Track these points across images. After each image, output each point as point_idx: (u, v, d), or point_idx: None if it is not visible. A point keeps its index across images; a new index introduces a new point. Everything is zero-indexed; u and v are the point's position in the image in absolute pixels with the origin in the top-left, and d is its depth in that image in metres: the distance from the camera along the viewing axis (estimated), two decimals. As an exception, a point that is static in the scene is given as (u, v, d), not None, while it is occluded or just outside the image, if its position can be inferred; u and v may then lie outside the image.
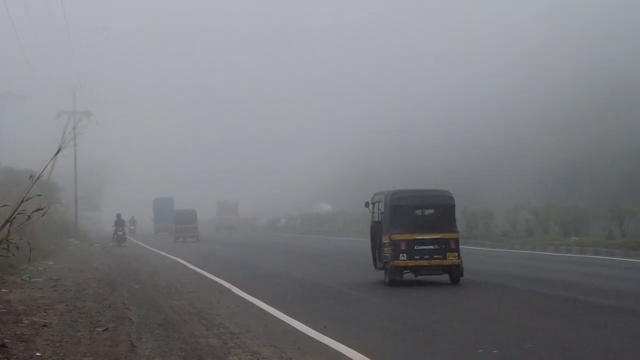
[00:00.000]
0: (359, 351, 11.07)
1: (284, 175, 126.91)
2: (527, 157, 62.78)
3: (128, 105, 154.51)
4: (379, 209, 21.68)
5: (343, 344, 11.61)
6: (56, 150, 12.74)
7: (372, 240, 21.85)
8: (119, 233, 51.93)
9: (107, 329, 13.36)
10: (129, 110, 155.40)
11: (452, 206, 20.81)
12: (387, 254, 20.54)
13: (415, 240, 20.26)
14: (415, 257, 20.19)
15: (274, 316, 14.90)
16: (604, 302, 15.93)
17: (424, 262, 20.22)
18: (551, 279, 20.99)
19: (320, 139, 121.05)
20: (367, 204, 22.45)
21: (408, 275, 20.70)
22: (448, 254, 20.23)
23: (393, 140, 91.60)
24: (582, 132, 59.50)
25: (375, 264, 21.59)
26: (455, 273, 20.34)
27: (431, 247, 20.27)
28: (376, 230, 21.61)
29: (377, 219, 21.74)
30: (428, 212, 20.91)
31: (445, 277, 20.75)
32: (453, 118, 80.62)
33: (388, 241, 20.53)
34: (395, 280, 20.27)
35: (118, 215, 53.02)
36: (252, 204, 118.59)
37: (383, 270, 20.89)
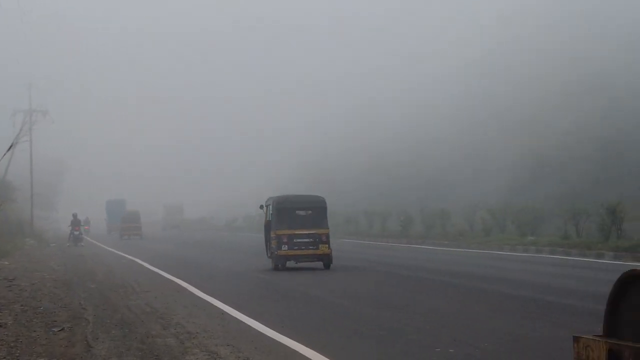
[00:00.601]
0: (316, 350, 11.07)
1: (246, 175, 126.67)
2: (487, 156, 63.19)
3: (85, 104, 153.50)
4: (269, 211, 26.69)
5: (300, 342, 11.60)
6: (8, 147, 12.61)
7: (265, 235, 27.12)
8: (75, 233, 51.57)
9: (63, 329, 13.25)
10: (86, 109, 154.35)
11: (324, 208, 26.39)
12: (274, 246, 25.79)
13: (295, 235, 25.55)
14: (295, 248, 25.52)
15: (231, 315, 14.87)
16: (561, 301, 16.08)
17: (301, 252, 25.56)
18: (508, 278, 21.16)
19: (280, 139, 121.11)
20: (261, 207, 28.10)
21: (290, 263, 25.85)
22: (320, 245, 25.61)
23: (353, 139, 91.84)
24: (542, 131, 60.05)
25: (266, 254, 26.73)
26: (326, 260, 25.73)
27: (307, 240, 25.60)
28: (267, 227, 26.85)
29: (268, 219, 26.86)
30: (305, 213, 26.23)
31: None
32: (417, 116, 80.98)
33: (274, 235, 25.76)
34: (278, 266, 25.58)
35: (74, 215, 52.67)
36: (211, 203, 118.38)
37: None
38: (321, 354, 10.82)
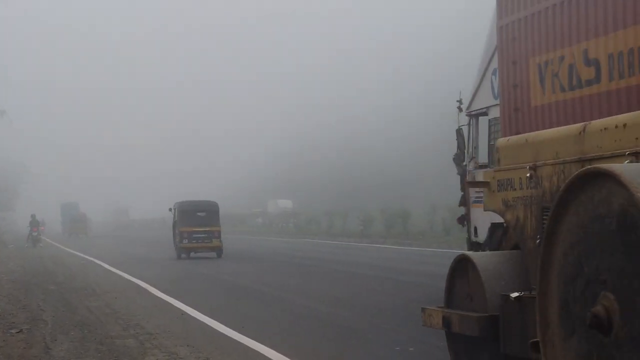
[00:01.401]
0: (277, 350, 11.08)
1: (207, 175, 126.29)
2: (449, 155, 63.56)
3: (45, 105, 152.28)
4: (176, 212, 35.23)
5: (262, 343, 11.61)
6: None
7: (173, 231, 35.64)
8: (33, 234, 51.20)
9: (21, 330, 13.13)
10: (46, 109, 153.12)
11: (217, 211, 35.06)
12: (177, 240, 34.39)
13: (194, 231, 34.10)
14: (193, 241, 34.05)
15: (191, 316, 14.84)
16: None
17: (198, 245, 34.16)
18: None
19: (241, 141, 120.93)
20: (170, 209, 36.68)
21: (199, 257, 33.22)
22: (213, 239, 34.15)
23: (317, 141, 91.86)
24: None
25: (174, 246, 35.03)
26: (218, 251, 34.03)
27: (203, 235, 34.16)
28: (174, 226, 35.24)
29: (175, 219, 35.14)
30: (202, 214, 34.72)
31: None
32: (385, 115, 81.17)
33: (179, 232, 34.30)
34: (181, 256, 33.92)
35: (33, 216, 52.28)
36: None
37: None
38: (282, 353, 10.84)
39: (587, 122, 7.29)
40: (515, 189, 8.06)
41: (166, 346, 11.46)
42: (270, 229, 70.65)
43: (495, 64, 15.83)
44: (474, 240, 16.88)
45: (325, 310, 15.47)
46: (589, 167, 6.23)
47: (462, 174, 17.69)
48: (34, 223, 51.80)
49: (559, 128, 7.92)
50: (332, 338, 12.21)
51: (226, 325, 13.35)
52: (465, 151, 17.80)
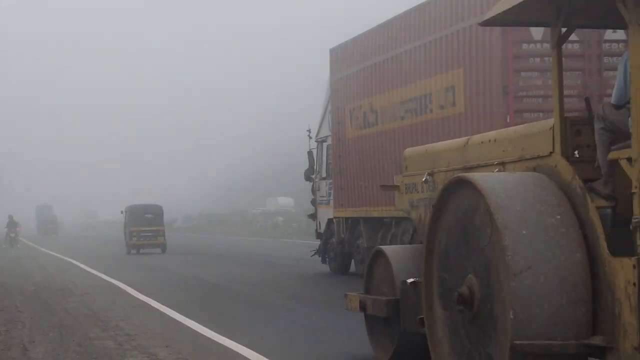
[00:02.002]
0: (256, 351, 11.07)
1: (182, 176, 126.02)
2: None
3: (14, 106, 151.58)
4: (126, 215, 41.83)
5: (240, 343, 11.59)
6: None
7: (124, 231, 42.40)
8: (11, 235, 50.98)
9: (-2, 332, 13.07)
10: (15, 110, 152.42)
11: (161, 214, 41.78)
12: (128, 238, 41.03)
13: (142, 230, 40.58)
14: (141, 239, 40.52)
15: (170, 316, 14.79)
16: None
17: (146, 242, 40.55)
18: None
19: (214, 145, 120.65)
20: (122, 212, 43.28)
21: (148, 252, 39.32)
22: (158, 237, 40.74)
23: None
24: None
25: (125, 244, 41.35)
26: (162, 247, 40.32)
27: (150, 234, 40.76)
28: (125, 226, 41.95)
29: (126, 220, 41.75)
30: (149, 216, 41.23)
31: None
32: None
33: (129, 231, 40.93)
34: (131, 252, 40.14)
35: (10, 217, 52.06)
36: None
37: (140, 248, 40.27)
38: (259, 353, 10.83)
39: (469, 137, 8.83)
40: (418, 192, 9.54)
41: (145, 347, 11.42)
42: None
43: (329, 106, 23.42)
44: (319, 231, 24.52)
45: (301, 310, 15.48)
46: (457, 175, 7.72)
47: (313, 185, 24.80)
48: (12, 224, 51.55)
49: (450, 141, 9.50)
50: (311, 338, 12.21)
51: (205, 325, 13.32)
52: (315, 168, 24.73)
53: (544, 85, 15.46)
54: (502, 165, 7.80)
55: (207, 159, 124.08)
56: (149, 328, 13.25)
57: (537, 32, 15.57)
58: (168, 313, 15.21)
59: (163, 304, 16.44)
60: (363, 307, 9.83)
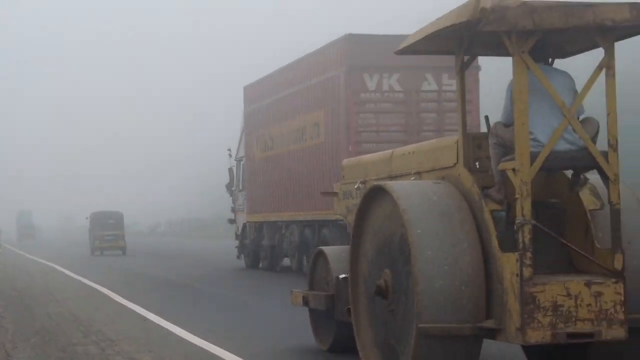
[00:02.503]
0: (240, 356, 11.07)
1: (164, 179, 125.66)
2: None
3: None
4: (90, 220, 47.86)
5: (224, 348, 11.59)
6: None
7: (89, 235, 48.24)
8: (-7, 240, 50.93)
9: (-20, 338, 13.03)
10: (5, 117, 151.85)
11: (121, 219, 47.96)
12: (92, 241, 47.18)
13: (105, 234, 46.74)
14: (104, 242, 46.57)
15: (153, 322, 14.77)
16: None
17: (108, 244, 46.50)
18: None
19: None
20: (87, 218, 49.38)
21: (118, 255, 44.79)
22: (119, 240, 46.43)
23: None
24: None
25: (90, 246, 47.54)
26: (123, 250, 45.85)
27: (111, 237, 46.61)
28: (90, 231, 47.88)
29: (90, 225, 47.86)
30: (110, 221, 47.44)
31: None
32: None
33: (93, 235, 47.03)
34: (95, 253, 46.14)
35: (-8, 223, 52.05)
36: (132, 208, 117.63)
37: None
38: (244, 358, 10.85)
39: (394, 149, 10.14)
40: (352, 198, 10.55)
41: (128, 352, 11.40)
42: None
43: (244, 132, 29.29)
44: (238, 233, 30.12)
45: (283, 314, 15.49)
46: (375, 184, 8.85)
47: (233, 195, 30.80)
48: (-7, 229, 51.56)
49: (378, 153, 10.72)
50: (296, 342, 12.23)
51: (188, 330, 13.31)
52: (234, 181, 30.71)
53: (376, 123, 21.22)
54: (419, 174, 9.07)
55: (191, 166, 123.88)
56: (132, 333, 13.22)
57: (371, 83, 21.19)
58: (151, 318, 15.18)
59: (146, 309, 16.41)
60: (306, 301, 10.99)
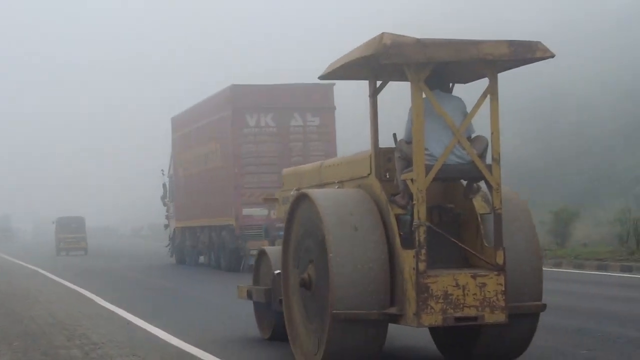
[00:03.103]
0: (223, 359, 11.05)
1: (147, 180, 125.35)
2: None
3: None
4: (56, 224, 54.43)
5: (206, 351, 11.56)
6: None
7: (55, 237, 53.79)
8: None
9: (-38, 341, 12.95)
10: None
11: (83, 224, 54.74)
12: (57, 243, 53.13)
13: (67, 237, 52.87)
14: (68, 244, 52.88)
15: (136, 325, 14.71)
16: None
17: (71, 246, 52.92)
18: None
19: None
20: (53, 222, 55.65)
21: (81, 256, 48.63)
22: (81, 242, 53.04)
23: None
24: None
25: (55, 247, 53.27)
26: (85, 250, 52.28)
27: (74, 240, 53.02)
28: (56, 234, 54.04)
29: (55, 229, 54.08)
30: (73, 225, 53.98)
31: None
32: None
33: (58, 237, 53.29)
34: (61, 254, 51.22)
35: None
36: (116, 211, 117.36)
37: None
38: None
39: (323, 161, 11.78)
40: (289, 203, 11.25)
41: (112, 356, 11.36)
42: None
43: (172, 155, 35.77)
44: (170, 236, 36.92)
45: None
46: (301, 191, 10.23)
47: (166, 206, 37.82)
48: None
49: (311, 164, 12.38)
50: (275, 343, 12.21)
51: (170, 333, 13.27)
52: (167, 194, 37.39)
53: (256, 151, 27.07)
54: (341, 183, 10.56)
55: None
56: (115, 337, 13.17)
57: (251, 120, 27.17)
58: (135, 321, 15.13)
59: (130, 312, 16.35)
60: (250, 295, 12.39)
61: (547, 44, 9.00)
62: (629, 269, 23.07)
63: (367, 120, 9.94)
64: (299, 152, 26.91)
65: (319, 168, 11.49)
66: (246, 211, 26.68)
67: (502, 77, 9.33)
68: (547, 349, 11.22)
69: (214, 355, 11.25)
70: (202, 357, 11.22)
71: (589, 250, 27.78)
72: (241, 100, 27.26)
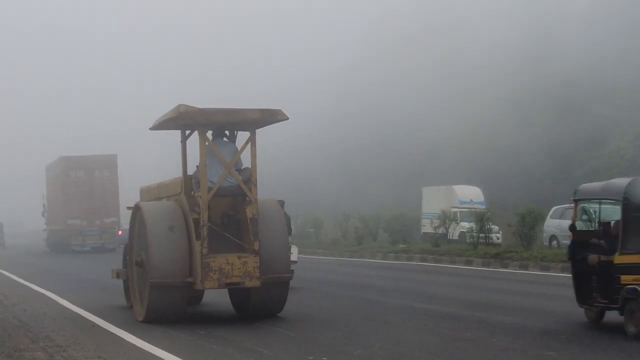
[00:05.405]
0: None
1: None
2: (360, 163, 63.78)
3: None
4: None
5: (172, 353, 11.50)
6: None
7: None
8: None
9: None
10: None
11: (2, 227, 60.90)
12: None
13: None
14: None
15: (101, 327, 14.60)
16: (430, 308, 16.38)
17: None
18: (378, 285, 21.44)
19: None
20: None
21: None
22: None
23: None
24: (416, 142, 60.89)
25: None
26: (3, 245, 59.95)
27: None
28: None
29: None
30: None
31: None
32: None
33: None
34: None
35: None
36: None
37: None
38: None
39: (160, 181, 17.18)
40: None
41: (77, 358, 11.28)
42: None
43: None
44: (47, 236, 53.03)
45: (239, 318, 15.42)
46: (137, 202, 15.92)
47: (45, 216, 54.04)
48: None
49: (155, 183, 17.53)
50: (246, 345, 12.16)
51: (136, 335, 13.19)
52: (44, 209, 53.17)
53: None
54: (168, 197, 16.04)
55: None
56: (80, 339, 13.05)
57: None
58: (100, 324, 15.00)
59: (95, 315, 16.21)
60: (117, 276, 17.58)
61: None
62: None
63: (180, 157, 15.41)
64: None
65: (157, 186, 17.06)
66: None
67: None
68: (514, 350, 11.27)
69: (180, 357, 11.18)
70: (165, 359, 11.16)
71: (554, 252, 27.92)
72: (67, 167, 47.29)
